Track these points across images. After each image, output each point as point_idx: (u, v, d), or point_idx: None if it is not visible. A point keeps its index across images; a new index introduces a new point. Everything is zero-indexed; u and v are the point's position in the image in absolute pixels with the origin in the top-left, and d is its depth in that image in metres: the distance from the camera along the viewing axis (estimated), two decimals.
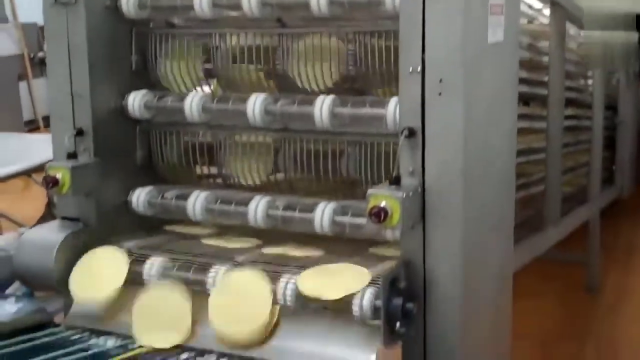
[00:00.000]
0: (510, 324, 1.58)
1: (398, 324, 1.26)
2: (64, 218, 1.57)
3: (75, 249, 1.51)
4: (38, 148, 2.95)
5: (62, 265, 1.49)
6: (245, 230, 1.60)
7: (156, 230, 1.65)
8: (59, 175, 1.48)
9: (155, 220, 1.65)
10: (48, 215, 3.10)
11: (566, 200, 2.67)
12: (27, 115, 6.26)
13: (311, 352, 1.32)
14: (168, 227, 1.67)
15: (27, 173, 2.96)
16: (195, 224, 1.65)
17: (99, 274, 1.48)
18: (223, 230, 1.65)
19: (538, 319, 2.76)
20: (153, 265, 1.47)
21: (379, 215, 1.24)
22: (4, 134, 3.75)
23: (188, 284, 1.44)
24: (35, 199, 3.77)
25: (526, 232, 2.30)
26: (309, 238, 1.53)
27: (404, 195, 1.25)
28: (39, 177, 2.72)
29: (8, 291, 1.55)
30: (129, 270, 1.47)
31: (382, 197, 1.25)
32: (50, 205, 3.30)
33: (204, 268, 1.44)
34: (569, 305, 2.96)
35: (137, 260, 1.49)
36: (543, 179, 2.49)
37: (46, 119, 5.66)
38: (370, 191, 1.27)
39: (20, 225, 2.98)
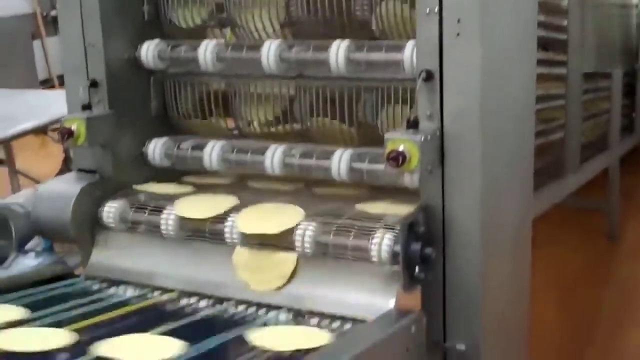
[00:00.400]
0: (530, 269, 1.57)
1: (417, 269, 1.25)
2: (80, 170, 1.57)
3: (92, 201, 1.51)
4: (53, 104, 2.95)
5: (80, 216, 1.49)
6: (221, 189, 1.58)
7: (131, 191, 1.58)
8: (74, 127, 1.47)
9: (170, 171, 1.64)
10: (65, 170, 3.11)
11: (586, 148, 2.65)
12: (42, 74, 6.27)
13: (330, 299, 1.32)
14: (139, 187, 1.59)
15: (43, 130, 2.96)
16: (168, 183, 1.62)
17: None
18: (198, 190, 1.61)
19: (558, 265, 2.75)
20: (169, 215, 1.47)
21: (397, 159, 1.22)
22: (18, 90, 3.76)
23: (204, 235, 1.44)
24: (52, 156, 3.79)
25: (546, 178, 2.29)
26: (287, 196, 1.51)
27: (422, 138, 1.23)
28: (55, 134, 2.72)
29: (27, 246, 1.55)
30: (146, 220, 1.47)
31: (400, 141, 1.23)
32: (66, 161, 3.32)
33: (222, 219, 1.43)
34: (589, 252, 2.95)
35: (152, 211, 1.48)
36: (563, 125, 2.47)
37: (61, 78, 5.64)
38: (387, 135, 1.25)
39: (37, 182, 2.99)
